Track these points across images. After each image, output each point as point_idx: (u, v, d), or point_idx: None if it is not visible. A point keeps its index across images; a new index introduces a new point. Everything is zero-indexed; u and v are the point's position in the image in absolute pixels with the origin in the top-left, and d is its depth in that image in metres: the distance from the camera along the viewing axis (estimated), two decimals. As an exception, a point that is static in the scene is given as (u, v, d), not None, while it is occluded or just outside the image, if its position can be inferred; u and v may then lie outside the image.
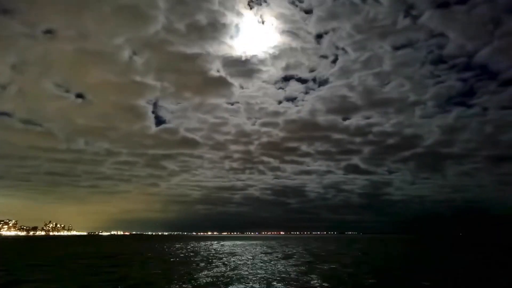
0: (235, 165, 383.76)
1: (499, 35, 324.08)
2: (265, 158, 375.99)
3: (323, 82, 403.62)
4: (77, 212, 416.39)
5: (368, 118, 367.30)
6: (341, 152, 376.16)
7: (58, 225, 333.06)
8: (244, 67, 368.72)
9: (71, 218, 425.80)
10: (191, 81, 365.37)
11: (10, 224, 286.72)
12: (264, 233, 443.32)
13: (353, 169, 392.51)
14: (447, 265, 26.23)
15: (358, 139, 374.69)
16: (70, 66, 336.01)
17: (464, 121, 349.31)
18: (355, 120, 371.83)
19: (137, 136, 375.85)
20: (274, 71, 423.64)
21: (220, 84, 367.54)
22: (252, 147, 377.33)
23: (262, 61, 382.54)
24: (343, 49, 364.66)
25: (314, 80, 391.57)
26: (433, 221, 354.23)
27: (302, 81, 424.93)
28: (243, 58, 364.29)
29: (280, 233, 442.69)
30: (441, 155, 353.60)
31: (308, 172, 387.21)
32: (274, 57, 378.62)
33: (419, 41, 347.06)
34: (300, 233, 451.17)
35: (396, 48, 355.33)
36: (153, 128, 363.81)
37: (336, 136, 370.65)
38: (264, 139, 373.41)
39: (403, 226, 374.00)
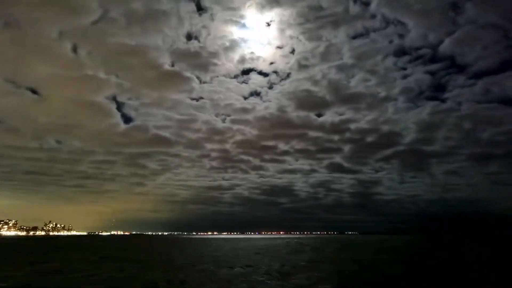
0: (215, 164, 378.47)
1: (462, 24, 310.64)
2: (244, 157, 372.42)
3: (284, 76, 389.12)
4: (77, 212, 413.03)
5: (341, 114, 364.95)
6: (320, 150, 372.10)
7: (58, 225, 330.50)
8: (197, 60, 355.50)
9: (71, 218, 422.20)
10: (146, 76, 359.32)
11: (10, 224, 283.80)
12: (264, 233, 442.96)
13: (337, 168, 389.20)
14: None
15: (336, 137, 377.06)
16: (11, 59, 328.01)
17: (439, 116, 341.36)
18: (329, 117, 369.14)
19: (107, 134, 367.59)
20: (230, 65, 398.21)
21: (178, 78, 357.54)
22: (228, 146, 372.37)
23: (213, 54, 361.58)
24: (297, 38, 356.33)
25: (276, 73, 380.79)
26: (431, 221, 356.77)
27: (263, 74, 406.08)
28: (193, 50, 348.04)
29: (280, 233, 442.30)
30: (424, 153, 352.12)
31: (292, 171, 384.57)
32: (225, 49, 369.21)
33: (376, 29, 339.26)
34: (301, 233, 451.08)
35: (353, 37, 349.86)
36: (122, 126, 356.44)
37: (312, 133, 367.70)
38: (238, 137, 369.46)
39: (402, 227, 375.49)
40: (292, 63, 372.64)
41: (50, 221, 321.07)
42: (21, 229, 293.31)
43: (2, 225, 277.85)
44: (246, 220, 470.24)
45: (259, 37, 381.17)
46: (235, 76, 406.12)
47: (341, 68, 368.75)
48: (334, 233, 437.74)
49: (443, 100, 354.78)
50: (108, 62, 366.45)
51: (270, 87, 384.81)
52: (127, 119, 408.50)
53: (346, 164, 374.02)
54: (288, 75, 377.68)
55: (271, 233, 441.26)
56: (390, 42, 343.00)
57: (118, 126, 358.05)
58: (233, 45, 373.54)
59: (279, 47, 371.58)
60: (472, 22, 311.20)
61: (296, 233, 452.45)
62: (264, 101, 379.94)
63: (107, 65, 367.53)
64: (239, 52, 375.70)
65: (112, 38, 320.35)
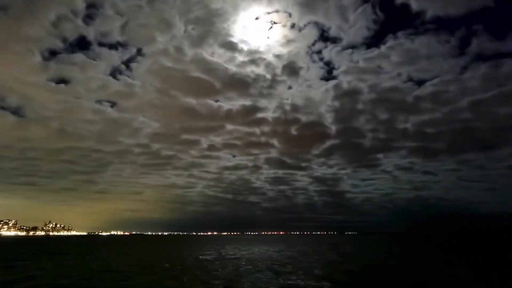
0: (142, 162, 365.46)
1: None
2: (168, 152, 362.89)
3: (141, 53, 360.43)
4: (76, 212, 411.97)
5: (231, 99, 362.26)
6: (248, 145, 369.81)
7: (58, 225, 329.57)
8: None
9: (71, 218, 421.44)
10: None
11: (10, 224, 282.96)
12: (264, 233, 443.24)
13: (278, 163, 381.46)
14: None
15: (251, 130, 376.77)
16: None
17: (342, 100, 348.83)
18: (229, 104, 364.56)
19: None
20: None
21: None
22: (145, 140, 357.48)
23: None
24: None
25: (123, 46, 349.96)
26: (408, 219, 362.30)
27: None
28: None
29: (279, 233, 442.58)
30: (364, 148, 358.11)
31: (237, 167, 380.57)
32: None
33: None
34: (300, 233, 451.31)
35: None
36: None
37: (227, 125, 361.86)
38: (149, 130, 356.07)
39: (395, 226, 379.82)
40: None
41: (50, 221, 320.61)
42: (21, 229, 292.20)
43: (2, 225, 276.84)
44: (238, 220, 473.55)
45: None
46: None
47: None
48: (334, 233, 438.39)
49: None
50: None
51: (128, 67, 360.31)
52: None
53: (289, 160, 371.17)
54: (140, 51, 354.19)
55: (271, 233, 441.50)
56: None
57: None
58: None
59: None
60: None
61: (296, 233, 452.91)
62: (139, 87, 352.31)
63: None
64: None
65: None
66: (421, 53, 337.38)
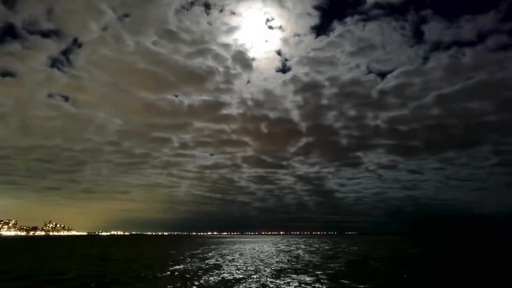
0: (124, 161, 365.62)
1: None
2: (140, 151, 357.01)
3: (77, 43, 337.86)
4: (77, 212, 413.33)
5: (190, 94, 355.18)
6: (222, 143, 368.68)
7: (58, 225, 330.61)
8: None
9: (71, 218, 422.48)
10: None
11: (10, 224, 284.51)
12: (264, 233, 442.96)
13: (258, 162, 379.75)
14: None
15: (219, 127, 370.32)
16: None
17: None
18: (189, 99, 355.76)
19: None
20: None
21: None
22: (114, 138, 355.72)
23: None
24: None
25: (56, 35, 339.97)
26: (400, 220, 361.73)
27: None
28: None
29: (280, 233, 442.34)
30: (341, 146, 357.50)
31: (216, 166, 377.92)
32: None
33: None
34: (300, 233, 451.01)
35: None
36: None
37: (194, 122, 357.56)
38: (113, 127, 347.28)
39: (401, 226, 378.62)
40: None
41: (50, 221, 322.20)
42: (21, 229, 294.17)
43: (2, 225, 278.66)
44: (242, 220, 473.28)
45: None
46: None
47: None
48: (334, 233, 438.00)
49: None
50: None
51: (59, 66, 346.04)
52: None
53: (269, 159, 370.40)
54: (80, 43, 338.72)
55: (271, 233, 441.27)
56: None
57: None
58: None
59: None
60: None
61: (296, 233, 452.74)
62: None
63: None
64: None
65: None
66: (375, 41, 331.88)
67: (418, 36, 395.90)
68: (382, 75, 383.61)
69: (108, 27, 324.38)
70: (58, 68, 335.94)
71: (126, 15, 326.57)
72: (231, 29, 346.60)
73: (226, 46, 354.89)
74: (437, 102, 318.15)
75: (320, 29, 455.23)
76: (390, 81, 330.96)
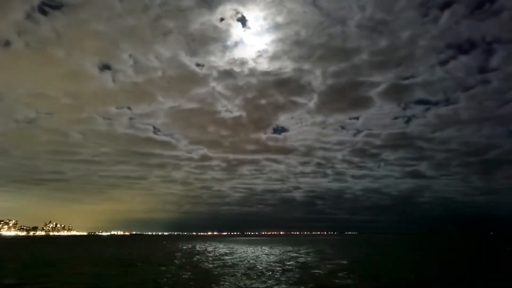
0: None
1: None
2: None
3: None
4: (77, 212, 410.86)
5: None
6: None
7: (58, 225, 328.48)
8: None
9: (71, 218, 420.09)
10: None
11: (10, 224, 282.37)
12: (265, 233, 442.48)
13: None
14: None
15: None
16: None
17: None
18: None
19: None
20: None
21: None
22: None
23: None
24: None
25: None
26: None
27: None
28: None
29: (280, 233, 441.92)
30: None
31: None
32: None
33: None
34: (300, 233, 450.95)
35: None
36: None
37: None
38: None
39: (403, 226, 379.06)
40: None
41: (50, 221, 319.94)
42: (21, 229, 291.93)
43: (2, 225, 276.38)
44: (238, 220, 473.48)
45: None
46: None
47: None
48: (334, 233, 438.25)
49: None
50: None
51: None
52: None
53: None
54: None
55: (271, 233, 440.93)
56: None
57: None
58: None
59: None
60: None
61: (296, 233, 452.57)
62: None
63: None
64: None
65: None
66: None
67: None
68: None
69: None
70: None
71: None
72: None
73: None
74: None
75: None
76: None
